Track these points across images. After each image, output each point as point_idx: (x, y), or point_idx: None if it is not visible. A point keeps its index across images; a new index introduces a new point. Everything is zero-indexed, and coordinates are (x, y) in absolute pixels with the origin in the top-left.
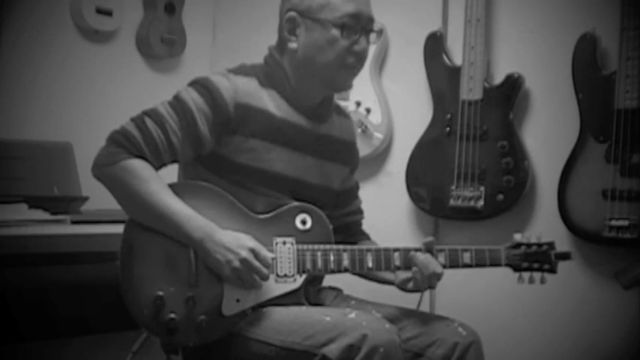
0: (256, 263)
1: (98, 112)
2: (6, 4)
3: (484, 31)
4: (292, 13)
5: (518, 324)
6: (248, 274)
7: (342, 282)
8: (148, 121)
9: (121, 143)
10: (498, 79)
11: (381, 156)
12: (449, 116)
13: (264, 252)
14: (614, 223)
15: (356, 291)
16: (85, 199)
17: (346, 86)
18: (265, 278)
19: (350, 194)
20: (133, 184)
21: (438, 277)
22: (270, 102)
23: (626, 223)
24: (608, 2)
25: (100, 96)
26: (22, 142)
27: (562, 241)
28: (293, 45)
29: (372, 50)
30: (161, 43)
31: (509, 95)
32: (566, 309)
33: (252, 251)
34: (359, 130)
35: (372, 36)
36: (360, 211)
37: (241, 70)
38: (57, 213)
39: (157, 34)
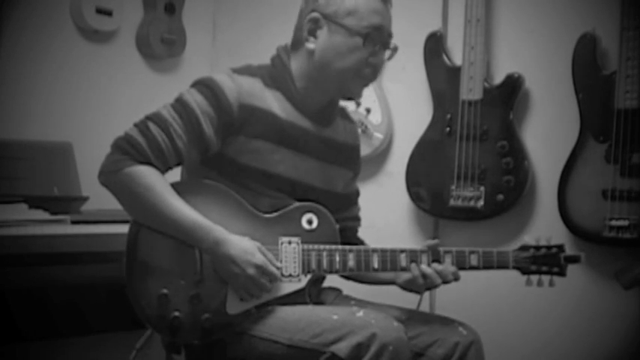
0: (262, 280)
1: (98, 112)
2: (6, 4)
3: (484, 31)
4: (316, 14)
5: (518, 324)
6: (253, 290)
7: (343, 283)
8: (152, 126)
9: (126, 150)
10: (498, 79)
11: (381, 156)
12: (449, 116)
13: (271, 268)
14: (614, 223)
15: (356, 291)
16: (85, 199)
17: (356, 95)
18: (269, 292)
19: (349, 200)
20: (139, 191)
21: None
22: (274, 103)
23: (626, 223)
24: (608, 2)
25: (100, 96)
26: (22, 142)
27: (562, 241)
28: (311, 46)
29: None
30: (161, 43)
31: (509, 95)
32: (566, 309)
33: (259, 268)
34: (359, 131)
35: (388, 52)
36: (357, 219)
37: (246, 71)
38: (57, 213)
39: (157, 34)
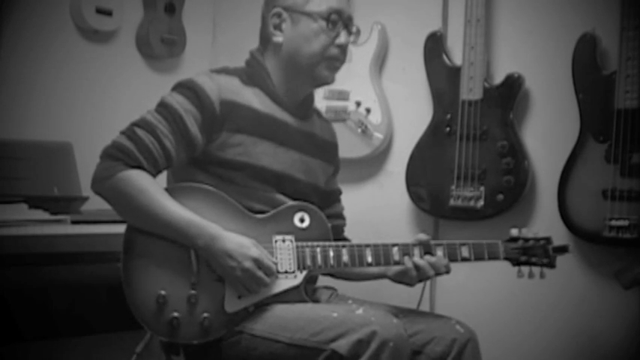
0: (259, 273)
1: (98, 112)
2: (6, 4)
3: (484, 31)
4: (277, 9)
5: (518, 324)
6: (250, 283)
7: (339, 282)
8: (139, 131)
9: (116, 156)
10: (498, 79)
11: (381, 156)
12: (449, 116)
13: (267, 261)
14: (614, 223)
15: (352, 291)
16: (85, 199)
17: (328, 79)
18: (267, 285)
19: (332, 197)
20: (133, 194)
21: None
22: (254, 98)
23: (626, 223)
24: (608, 2)
25: (100, 96)
26: (22, 142)
27: (562, 241)
28: (278, 39)
29: (372, 50)
30: (161, 43)
31: (509, 95)
32: (566, 309)
33: (256, 261)
34: (359, 131)
35: (351, 36)
36: (341, 217)
37: (224, 71)
38: (57, 213)
39: (157, 34)
